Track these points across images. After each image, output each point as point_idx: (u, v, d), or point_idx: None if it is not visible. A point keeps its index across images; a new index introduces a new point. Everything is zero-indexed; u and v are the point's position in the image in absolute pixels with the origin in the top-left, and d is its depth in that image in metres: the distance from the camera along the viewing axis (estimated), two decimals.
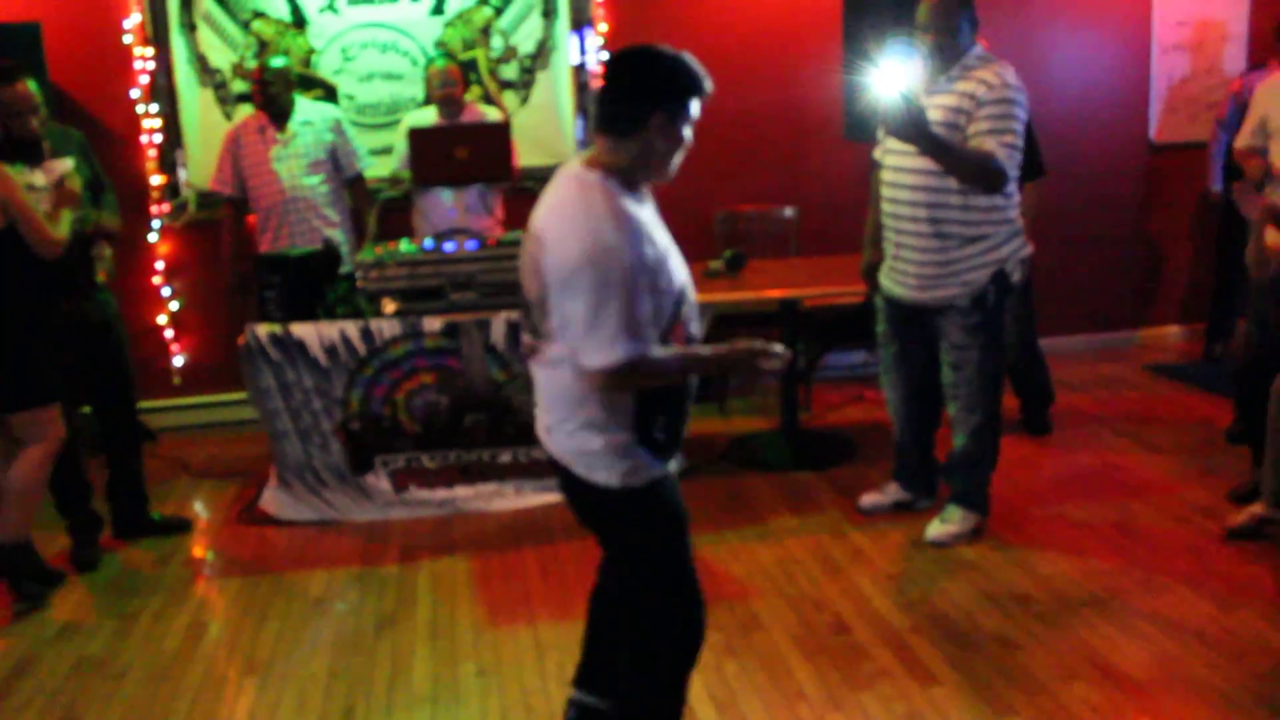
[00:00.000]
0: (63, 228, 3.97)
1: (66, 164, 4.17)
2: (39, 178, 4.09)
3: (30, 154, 4.09)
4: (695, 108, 2.42)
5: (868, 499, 4.49)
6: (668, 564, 2.58)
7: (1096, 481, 4.68)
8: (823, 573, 3.96)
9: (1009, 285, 3.93)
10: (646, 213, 2.45)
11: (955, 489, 4.19)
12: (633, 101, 2.36)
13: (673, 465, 2.57)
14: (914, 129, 3.51)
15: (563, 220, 2.36)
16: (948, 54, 3.80)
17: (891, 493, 4.47)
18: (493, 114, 5.62)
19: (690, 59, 2.41)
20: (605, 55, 5.96)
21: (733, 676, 3.30)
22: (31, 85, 4.04)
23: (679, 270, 2.46)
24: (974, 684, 3.20)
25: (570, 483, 2.56)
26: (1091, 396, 5.80)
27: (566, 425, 2.48)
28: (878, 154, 4.13)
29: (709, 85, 2.42)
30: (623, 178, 2.40)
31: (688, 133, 2.42)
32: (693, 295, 2.52)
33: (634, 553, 2.61)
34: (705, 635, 2.68)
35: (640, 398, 2.44)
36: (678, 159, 2.46)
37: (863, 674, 3.29)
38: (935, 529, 4.15)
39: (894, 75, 3.48)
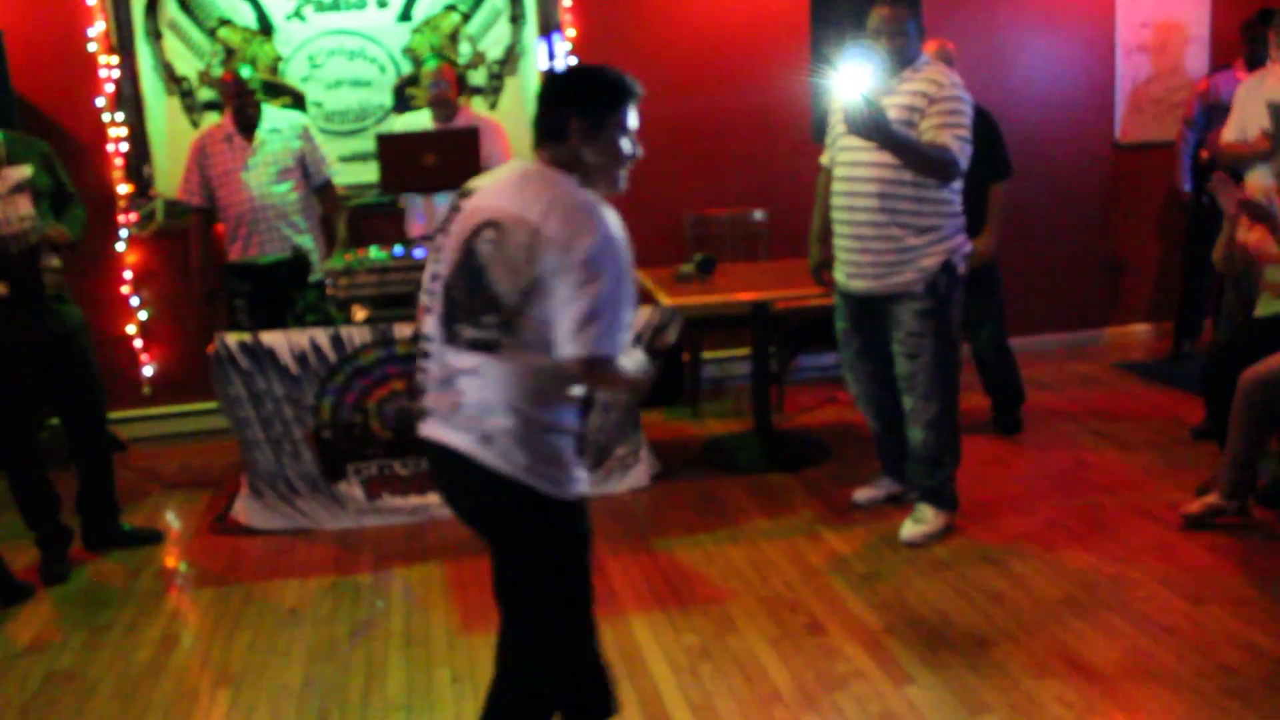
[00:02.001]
0: None
1: (24, 171, 4.14)
2: None
3: None
4: (628, 117, 2.42)
5: (862, 493, 4.54)
6: (579, 578, 2.53)
7: (1068, 479, 4.72)
8: (797, 574, 3.97)
9: (956, 275, 4.05)
10: None
11: (923, 486, 4.22)
12: (554, 110, 2.40)
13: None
14: (875, 127, 3.67)
15: (563, 211, 2.28)
16: (899, 58, 3.97)
17: (884, 485, 4.53)
18: (480, 115, 5.57)
19: (615, 71, 2.43)
20: (574, 60, 5.96)
21: (708, 679, 3.30)
22: None
23: None
24: (948, 682, 3.21)
25: (495, 494, 2.41)
26: (1061, 395, 5.85)
27: (525, 431, 2.35)
28: (824, 159, 4.30)
29: (637, 90, 2.44)
30: (585, 185, 2.39)
31: (625, 143, 2.42)
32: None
33: (549, 569, 2.50)
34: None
35: (584, 400, 2.44)
36: (623, 170, 2.44)
37: (838, 674, 3.30)
38: (909, 530, 4.18)
39: (854, 77, 3.63)
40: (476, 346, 2.36)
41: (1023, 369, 5.45)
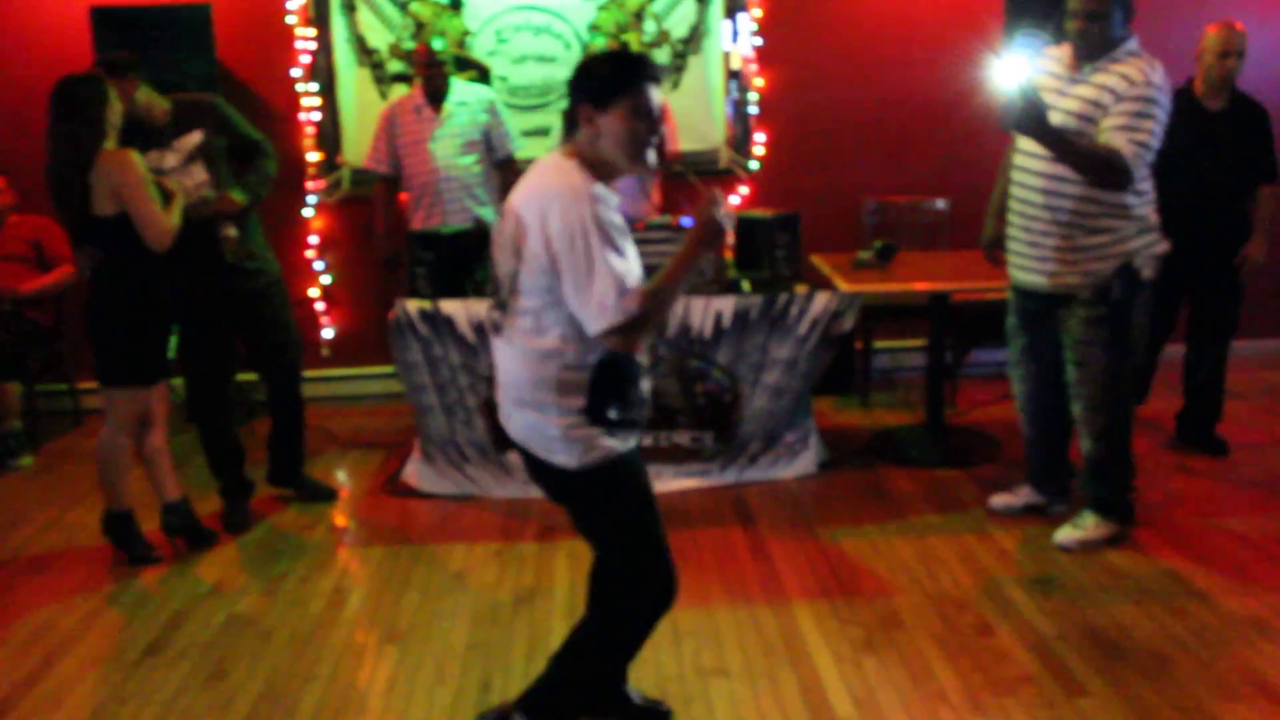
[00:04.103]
0: (173, 217, 3.96)
1: (194, 139, 4.22)
2: (170, 159, 4.19)
3: (156, 138, 4.18)
4: (644, 96, 2.48)
5: (999, 499, 4.38)
6: (635, 537, 2.69)
7: (1264, 497, 4.46)
8: (966, 572, 3.86)
9: (1138, 280, 3.79)
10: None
11: (1090, 495, 4.04)
12: (571, 98, 2.54)
13: (631, 442, 2.66)
14: (1030, 122, 3.49)
15: (541, 200, 2.47)
16: (1094, 43, 3.69)
17: (1024, 495, 4.35)
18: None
19: (629, 54, 2.56)
20: (759, 40, 5.91)
21: (872, 673, 3.23)
22: (143, 84, 4.11)
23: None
24: (1124, 697, 3.07)
25: (534, 463, 2.68)
26: (1258, 405, 5.53)
27: (523, 407, 2.61)
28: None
29: (648, 70, 2.51)
30: (594, 169, 2.51)
31: (637, 125, 2.48)
32: None
33: (602, 528, 2.74)
34: (669, 607, 2.74)
35: (592, 384, 2.54)
36: (643, 146, 2.51)
37: (1007, 678, 3.19)
38: (1064, 533, 4.03)
39: (1015, 67, 3.46)
40: (492, 328, 2.71)
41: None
